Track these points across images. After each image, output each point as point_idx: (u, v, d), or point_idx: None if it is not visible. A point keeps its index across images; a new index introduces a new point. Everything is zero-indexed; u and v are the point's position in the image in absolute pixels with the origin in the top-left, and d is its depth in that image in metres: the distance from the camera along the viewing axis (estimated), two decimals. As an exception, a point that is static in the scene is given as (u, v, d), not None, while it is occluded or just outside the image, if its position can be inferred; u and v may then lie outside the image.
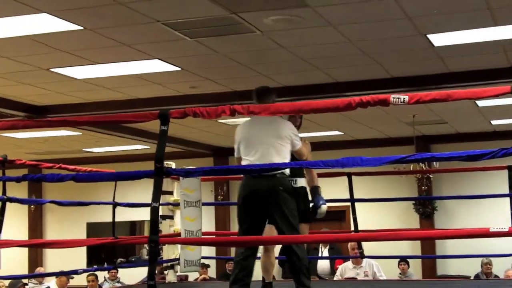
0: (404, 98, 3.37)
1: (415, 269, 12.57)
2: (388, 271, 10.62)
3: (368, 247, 9.69)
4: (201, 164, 13.25)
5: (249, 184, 5.06)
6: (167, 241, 6.82)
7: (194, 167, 4.62)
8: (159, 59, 7.87)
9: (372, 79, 9.00)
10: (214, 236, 9.63)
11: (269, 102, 5.08)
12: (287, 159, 5.05)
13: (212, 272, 13.29)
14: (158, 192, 4.00)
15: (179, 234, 6.58)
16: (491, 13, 6.40)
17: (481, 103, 10.54)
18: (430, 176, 12.51)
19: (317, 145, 13.76)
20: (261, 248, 5.61)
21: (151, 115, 3.97)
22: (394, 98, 3.38)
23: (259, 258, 5.38)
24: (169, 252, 7.06)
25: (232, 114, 3.67)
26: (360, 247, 7.80)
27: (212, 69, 8.43)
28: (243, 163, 5.11)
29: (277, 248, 6.28)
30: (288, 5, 6.07)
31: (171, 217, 7.20)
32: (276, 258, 7.44)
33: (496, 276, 10.86)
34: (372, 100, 3.46)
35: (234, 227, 13.53)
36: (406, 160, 3.46)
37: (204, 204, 6.62)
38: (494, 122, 12.49)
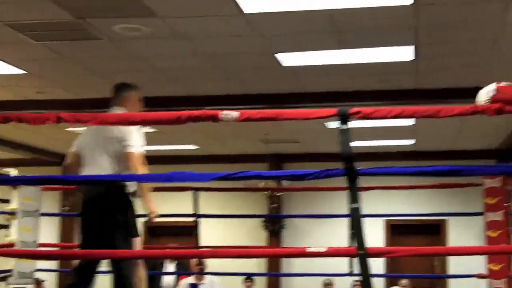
0: (233, 115, 3.36)
1: (260, 287, 12.70)
2: None
3: (215, 264, 9.69)
4: (49, 172, 12.85)
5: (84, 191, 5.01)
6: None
7: (31, 175, 4.38)
8: (2, 61, 7.53)
9: (227, 95, 9.00)
10: (49, 249, 9.28)
11: (124, 96, 5.13)
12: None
13: (52, 286, 12.88)
14: (-10, 200, 3.78)
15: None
16: (338, 36, 6.57)
17: (330, 125, 10.82)
18: (279, 194, 12.70)
19: (171, 159, 13.84)
20: None
21: (-27, 119, 3.74)
22: (223, 114, 3.36)
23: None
24: (2, 263, 6.76)
25: (58, 121, 3.53)
26: (201, 263, 7.73)
27: (60, 75, 8.16)
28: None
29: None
30: (136, 14, 5.95)
31: (7, 227, 6.90)
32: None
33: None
34: (202, 115, 3.42)
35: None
36: (232, 177, 3.44)
37: (48, 214, 6.39)
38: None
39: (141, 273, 5.46)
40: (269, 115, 3.49)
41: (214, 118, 3.40)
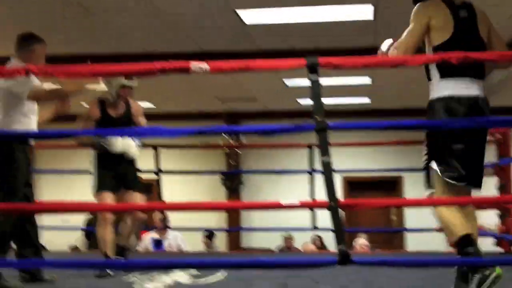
0: (204, 67, 3.38)
1: (220, 242, 12.81)
2: (194, 243, 10.75)
3: (175, 221, 9.73)
4: None
5: None
6: None
7: None
8: None
9: (185, 53, 8.92)
10: None
11: (30, 50, 4.73)
12: None
13: None
14: None
15: None
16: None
17: (289, 82, 10.85)
18: (238, 151, 12.73)
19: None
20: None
21: None
22: (195, 66, 3.38)
23: None
24: None
25: (26, 74, 3.49)
26: (164, 218, 7.75)
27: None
28: None
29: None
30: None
31: None
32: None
33: (296, 249, 11.34)
34: (173, 67, 3.43)
35: None
36: (206, 132, 3.48)
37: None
38: (301, 101, 12.92)
39: (102, 232, 5.33)
40: (239, 66, 3.51)
41: (186, 70, 3.42)
